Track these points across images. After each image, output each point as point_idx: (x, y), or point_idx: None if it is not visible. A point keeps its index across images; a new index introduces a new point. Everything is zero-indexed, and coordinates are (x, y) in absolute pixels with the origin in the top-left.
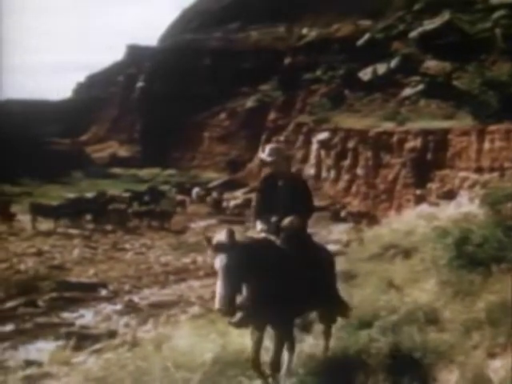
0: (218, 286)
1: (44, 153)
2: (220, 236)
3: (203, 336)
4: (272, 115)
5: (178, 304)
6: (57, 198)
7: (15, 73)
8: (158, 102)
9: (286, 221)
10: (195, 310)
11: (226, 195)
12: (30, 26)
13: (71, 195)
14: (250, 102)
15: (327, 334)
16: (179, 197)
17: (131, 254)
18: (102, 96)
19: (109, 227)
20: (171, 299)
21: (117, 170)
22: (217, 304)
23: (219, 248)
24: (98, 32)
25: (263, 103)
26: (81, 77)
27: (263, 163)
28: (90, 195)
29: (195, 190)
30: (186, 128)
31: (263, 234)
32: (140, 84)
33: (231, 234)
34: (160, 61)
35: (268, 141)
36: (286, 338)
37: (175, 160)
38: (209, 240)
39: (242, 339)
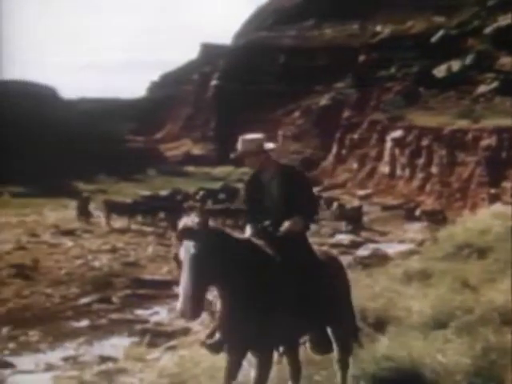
0: (183, 283)
1: (119, 151)
2: (187, 220)
3: None
4: (346, 113)
5: None
6: (131, 196)
7: (88, 70)
8: (232, 100)
9: (286, 225)
10: None
11: None
12: (106, 24)
13: (145, 193)
14: (323, 100)
15: (343, 363)
16: None
17: None
18: (175, 94)
19: None
20: None
21: (190, 168)
22: (179, 305)
23: (187, 234)
24: (172, 30)
25: (337, 101)
26: (154, 75)
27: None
28: (164, 193)
29: None
30: (259, 126)
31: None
32: (214, 82)
33: (204, 216)
34: (234, 59)
35: (342, 139)
36: (267, 365)
37: None
38: (174, 226)
39: None
